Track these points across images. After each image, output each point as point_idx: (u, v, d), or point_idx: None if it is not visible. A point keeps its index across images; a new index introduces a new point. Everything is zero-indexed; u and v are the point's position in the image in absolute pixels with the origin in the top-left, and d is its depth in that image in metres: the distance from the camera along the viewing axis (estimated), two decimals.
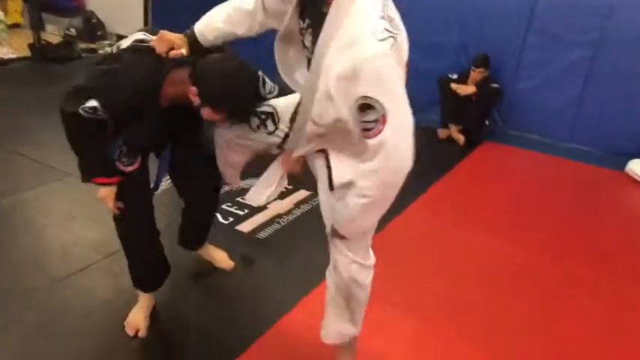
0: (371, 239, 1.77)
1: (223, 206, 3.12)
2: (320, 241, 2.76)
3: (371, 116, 1.37)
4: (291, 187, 3.41)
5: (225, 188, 3.30)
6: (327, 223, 1.75)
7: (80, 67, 5.80)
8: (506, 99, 4.73)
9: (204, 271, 2.55)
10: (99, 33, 6.74)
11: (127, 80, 1.69)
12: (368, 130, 1.39)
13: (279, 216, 3.10)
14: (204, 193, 2.34)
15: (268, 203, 1.94)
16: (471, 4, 4.74)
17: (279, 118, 1.84)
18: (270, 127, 1.86)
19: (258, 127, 1.88)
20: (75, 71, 5.66)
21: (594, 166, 4.36)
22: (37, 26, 5.86)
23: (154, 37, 1.77)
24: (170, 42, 1.72)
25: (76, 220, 2.89)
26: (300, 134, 1.64)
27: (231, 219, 3.01)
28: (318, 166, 1.72)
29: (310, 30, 1.50)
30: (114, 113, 1.72)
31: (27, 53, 5.78)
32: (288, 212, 3.15)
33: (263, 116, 1.86)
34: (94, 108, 1.68)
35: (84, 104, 1.69)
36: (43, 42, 5.84)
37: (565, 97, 4.67)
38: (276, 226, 3.00)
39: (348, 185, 1.56)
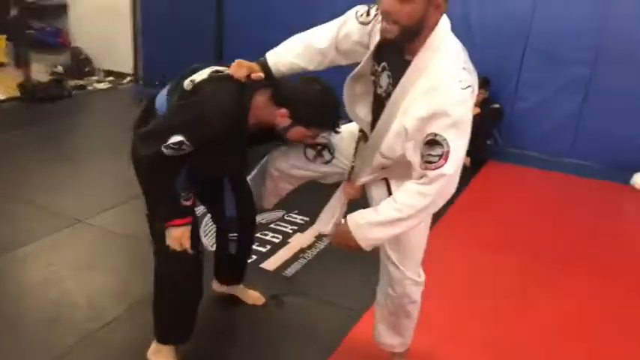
0: (422, 257, 1.92)
1: None
2: (348, 273, 2.77)
3: (437, 151, 1.49)
4: (308, 219, 3.36)
5: None
6: (388, 247, 1.87)
7: (71, 105, 5.72)
8: (506, 118, 4.78)
9: (234, 313, 2.48)
10: (87, 69, 6.66)
11: (213, 109, 1.72)
12: (430, 163, 1.51)
13: (303, 251, 3.04)
14: (248, 225, 2.32)
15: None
16: (468, 28, 4.78)
17: (333, 149, 1.97)
18: (327, 156, 1.98)
19: (315, 157, 1.99)
20: (67, 109, 5.57)
21: (597, 180, 4.41)
22: (26, 65, 5.74)
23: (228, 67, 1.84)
24: (249, 67, 1.80)
25: (95, 269, 2.77)
26: (365, 165, 1.82)
27: (254, 257, 2.93)
28: (377, 194, 1.86)
29: (388, 73, 1.63)
30: (202, 144, 1.74)
31: (15, 93, 5.64)
32: (311, 246, 3.09)
33: (319, 147, 1.97)
34: (179, 143, 1.69)
35: (167, 142, 1.69)
36: (34, 81, 5.71)
37: (564, 113, 4.74)
38: (301, 261, 2.93)
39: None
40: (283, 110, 1.79)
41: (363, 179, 1.86)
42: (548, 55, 4.67)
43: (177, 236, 1.87)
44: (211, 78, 1.81)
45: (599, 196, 4.18)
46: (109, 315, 2.41)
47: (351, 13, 1.76)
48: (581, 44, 4.57)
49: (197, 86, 1.79)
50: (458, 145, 1.49)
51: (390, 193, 1.79)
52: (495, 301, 2.69)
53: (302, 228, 3.29)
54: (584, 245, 3.35)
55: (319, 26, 1.84)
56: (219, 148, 1.82)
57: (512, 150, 4.82)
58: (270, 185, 2.19)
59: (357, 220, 1.69)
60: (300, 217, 3.40)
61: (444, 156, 1.48)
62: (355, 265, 2.88)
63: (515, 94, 4.81)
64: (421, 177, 1.55)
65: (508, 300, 2.71)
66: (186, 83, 1.83)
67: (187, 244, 1.90)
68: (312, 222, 3.28)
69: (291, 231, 3.25)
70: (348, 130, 1.94)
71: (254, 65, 1.83)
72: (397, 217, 1.60)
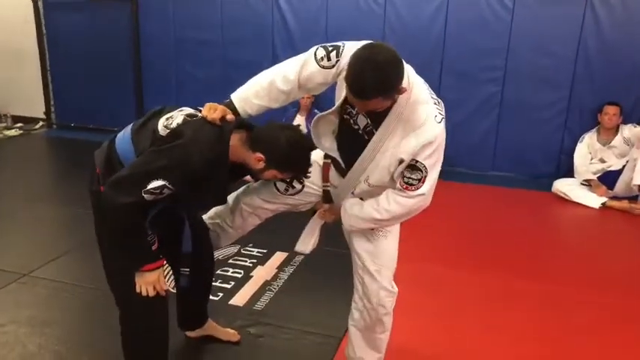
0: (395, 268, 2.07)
1: None
2: (318, 300, 2.80)
3: (417, 175, 1.73)
4: (265, 251, 3.36)
5: None
6: (361, 251, 2.01)
7: None
8: None
9: (214, 355, 2.41)
10: None
11: (197, 153, 1.71)
12: (410, 185, 1.75)
13: (268, 283, 3.01)
14: (207, 262, 2.28)
15: (310, 252, 2.20)
16: None
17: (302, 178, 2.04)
18: (297, 186, 2.05)
19: (286, 189, 2.06)
20: None
21: (522, 189, 4.76)
22: None
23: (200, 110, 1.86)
24: (223, 109, 1.83)
25: (53, 323, 2.59)
26: (342, 194, 1.97)
27: (220, 294, 2.88)
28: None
29: (363, 114, 1.77)
30: (183, 187, 1.73)
31: None
32: (275, 277, 3.08)
33: (287, 180, 2.02)
34: (161, 187, 1.68)
35: (147, 187, 1.66)
36: None
37: (484, 129, 5.12)
38: (269, 294, 2.90)
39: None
40: (258, 155, 1.82)
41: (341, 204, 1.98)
42: (462, 75, 5.02)
43: (153, 280, 1.84)
44: (189, 122, 1.80)
45: (526, 205, 4.49)
46: None
47: (310, 57, 1.84)
48: (490, 64, 4.99)
49: (176, 131, 1.77)
50: (434, 169, 1.74)
51: None
52: (439, 312, 2.80)
53: (261, 260, 3.27)
54: (519, 251, 3.57)
55: (279, 65, 1.92)
56: (200, 187, 1.80)
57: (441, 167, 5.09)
58: (238, 222, 2.22)
59: (347, 207, 1.92)
60: (257, 249, 3.38)
61: (422, 180, 1.73)
62: (323, 291, 2.93)
63: None
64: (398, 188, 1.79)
65: (452, 312, 2.82)
66: (160, 128, 1.80)
67: (164, 286, 1.88)
68: (269, 254, 3.33)
69: (251, 264, 3.22)
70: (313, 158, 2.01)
71: (225, 108, 1.85)
72: (375, 217, 1.84)
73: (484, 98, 5.09)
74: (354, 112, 1.79)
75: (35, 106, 6.31)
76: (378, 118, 1.74)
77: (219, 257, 3.26)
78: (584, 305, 2.90)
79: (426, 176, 1.71)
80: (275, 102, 1.91)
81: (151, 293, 1.84)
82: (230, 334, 2.48)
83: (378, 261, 1.99)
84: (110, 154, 1.86)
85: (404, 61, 1.63)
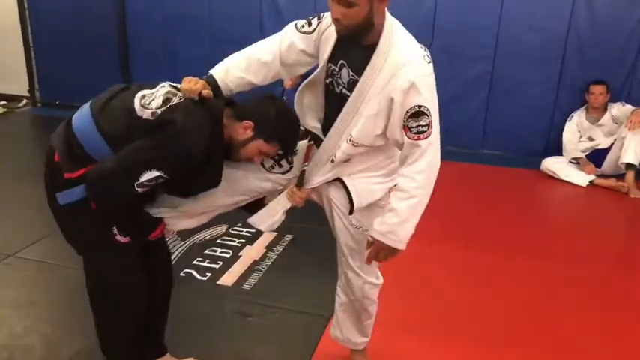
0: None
1: (195, 262, 2.97)
2: (306, 279, 2.80)
3: (424, 120, 1.60)
4: (254, 230, 3.33)
5: (188, 242, 3.18)
6: (344, 247, 1.94)
7: None
8: None
9: (205, 330, 2.40)
10: None
11: (195, 143, 1.63)
12: (422, 133, 1.61)
13: (256, 262, 3.00)
14: (167, 267, 2.10)
15: (266, 231, 2.11)
16: None
17: (292, 158, 1.91)
18: (285, 165, 1.91)
19: (272, 167, 1.91)
20: None
21: (511, 168, 4.77)
22: None
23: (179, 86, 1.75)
24: (203, 84, 1.74)
25: (38, 304, 2.57)
26: (318, 168, 1.83)
27: (208, 274, 2.87)
28: (333, 196, 1.88)
29: (347, 68, 1.69)
30: (180, 175, 1.68)
31: None
32: (264, 257, 3.07)
33: (276, 157, 1.88)
34: (155, 178, 1.61)
35: (140, 180, 1.58)
36: None
37: (473, 107, 5.09)
38: (257, 273, 2.90)
39: (370, 207, 1.83)
40: (246, 123, 1.73)
41: (315, 182, 1.86)
42: (452, 53, 4.97)
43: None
44: (178, 106, 1.67)
45: (514, 183, 4.50)
46: (67, 351, 2.26)
47: (289, 27, 1.81)
48: (481, 42, 4.94)
49: (166, 117, 1.65)
50: (435, 112, 1.63)
51: (348, 192, 1.82)
52: (436, 290, 2.81)
53: (250, 240, 3.25)
54: (505, 229, 3.59)
55: (259, 42, 1.86)
56: (196, 173, 1.73)
57: None
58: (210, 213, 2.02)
59: (380, 230, 1.71)
60: (245, 229, 3.36)
61: (430, 125, 1.60)
62: (312, 270, 2.93)
63: None
64: (406, 155, 1.65)
65: (450, 290, 2.84)
66: (137, 107, 1.66)
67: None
68: (258, 233, 3.31)
69: (239, 244, 3.21)
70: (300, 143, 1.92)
71: (205, 82, 1.76)
72: (414, 202, 1.67)
73: (474, 76, 5.05)
74: (337, 70, 1.70)
75: (19, 84, 6.18)
76: (360, 65, 1.64)
77: (207, 237, 3.24)
78: (570, 281, 2.92)
79: (431, 120, 1.59)
80: (255, 75, 1.83)
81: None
82: None
83: (360, 257, 1.91)
84: (68, 137, 1.71)
85: None
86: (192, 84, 1.72)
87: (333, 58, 1.71)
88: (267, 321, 2.51)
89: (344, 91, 1.71)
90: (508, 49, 4.92)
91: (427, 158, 1.63)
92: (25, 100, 6.24)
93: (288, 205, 1.94)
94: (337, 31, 1.63)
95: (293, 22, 1.81)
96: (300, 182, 1.90)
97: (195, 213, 1.94)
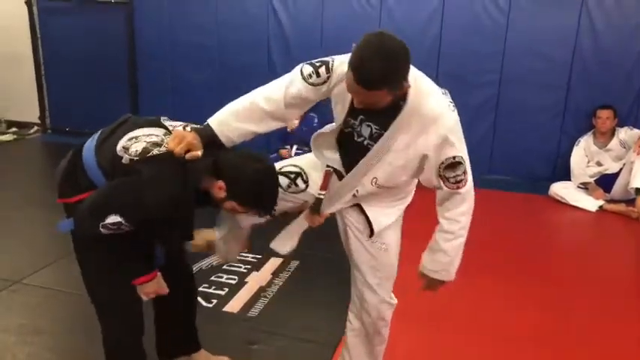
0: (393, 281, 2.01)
1: (201, 288, 2.93)
2: (312, 307, 2.77)
3: (460, 169, 1.65)
4: (260, 256, 3.33)
5: (195, 267, 3.16)
6: (361, 265, 1.94)
7: None
8: None
9: None
10: None
11: (152, 199, 1.60)
12: (460, 182, 1.66)
13: (263, 289, 2.98)
14: (186, 280, 2.18)
15: (287, 253, 2.07)
16: None
17: (307, 176, 1.92)
18: (301, 184, 1.91)
19: (289, 186, 1.92)
20: None
21: (519, 193, 4.74)
22: None
23: (166, 138, 1.71)
24: (189, 143, 1.65)
25: (43, 332, 2.55)
26: (338, 197, 1.85)
27: (214, 301, 2.85)
28: (350, 217, 1.91)
29: (367, 124, 1.69)
30: (140, 225, 1.65)
31: None
32: (270, 284, 3.05)
33: (292, 175, 1.92)
34: (117, 223, 1.61)
35: (104, 221, 1.60)
36: None
37: (481, 133, 5.09)
38: (263, 300, 2.87)
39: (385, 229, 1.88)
40: (220, 183, 1.69)
41: (332, 210, 1.90)
42: (459, 79, 5.00)
43: (153, 290, 1.85)
44: (152, 158, 1.64)
45: (522, 208, 4.48)
46: None
47: (296, 75, 1.74)
48: (486, 67, 4.97)
49: (134, 167, 1.64)
50: (467, 156, 1.68)
51: (365, 216, 1.87)
52: (445, 317, 2.78)
53: (256, 266, 3.24)
54: (514, 255, 3.55)
55: (261, 88, 1.79)
56: (162, 226, 1.74)
57: None
58: (236, 233, 2.10)
59: (433, 268, 1.83)
60: (251, 255, 3.35)
61: (465, 171, 1.66)
62: (317, 298, 2.90)
63: None
64: (446, 200, 1.71)
65: (459, 315, 2.80)
66: (119, 149, 1.68)
67: (166, 290, 1.88)
68: (264, 259, 3.29)
69: (245, 270, 3.19)
70: (315, 161, 1.90)
71: (193, 139, 1.67)
72: (459, 242, 1.77)
73: (480, 102, 5.07)
74: (357, 124, 1.70)
75: (30, 111, 6.26)
76: (385, 121, 1.64)
77: (214, 264, 3.22)
78: (581, 308, 2.88)
79: (466, 169, 1.66)
80: (258, 124, 1.77)
81: (151, 296, 1.86)
82: None
83: (379, 274, 1.94)
84: (75, 162, 1.77)
85: None
86: (176, 143, 1.64)
87: (351, 114, 1.70)
88: (272, 349, 2.48)
89: (366, 142, 1.71)
90: (514, 75, 4.96)
91: (467, 202, 1.71)
92: (35, 127, 6.31)
93: (305, 226, 1.98)
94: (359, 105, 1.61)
95: (298, 68, 1.74)
96: (317, 209, 1.89)
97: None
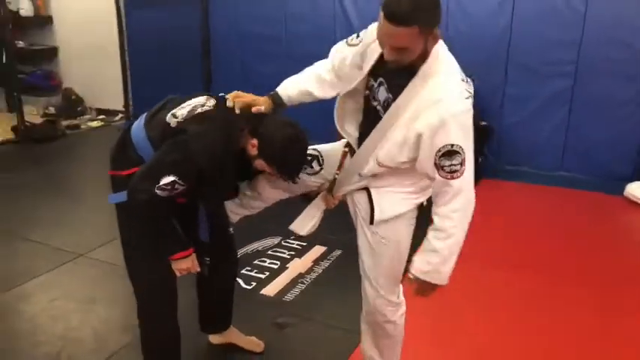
0: (400, 278, 1.97)
1: (243, 271, 3.07)
2: (345, 295, 2.80)
3: (457, 159, 1.58)
4: (305, 244, 3.39)
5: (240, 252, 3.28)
6: (363, 255, 1.94)
7: (65, 145, 5.78)
8: (495, 135, 4.85)
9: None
10: (79, 109, 6.74)
11: (198, 147, 1.73)
12: (455, 172, 1.59)
13: (301, 275, 3.06)
14: (230, 260, 2.30)
15: (307, 235, 2.12)
16: (449, 48, 4.90)
17: (323, 160, 2.00)
18: (316, 167, 2.01)
19: (304, 168, 1.98)
20: (61, 149, 5.63)
21: (591, 192, 4.46)
22: (18, 109, 5.78)
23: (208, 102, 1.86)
24: (251, 99, 1.86)
25: (98, 302, 2.80)
26: (349, 176, 1.87)
27: (254, 283, 2.96)
28: (358, 201, 1.91)
29: (385, 87, 1.69)
30: (193, 183, 1.76)
31: (9, 136, 5.71)
32: (309, 271, 3.11)
33: (309, 158, 1.99)
34: (172, 183, 1.71)
35: (159, 183, 1.71)
36: (27, 123, 5.77)
37: (552, 127, 4.80)
38: (300, 286, 2.95)
39: (396, 219, 1.83)
40: (254, 141, 1.83)
41: (344, 190, 1.93)
42: (529, 69, 4.78)
43: (186, 267, 1.94)
44: (197, 116, 1.81)
45: (593, 208, 4.20)
46: (113, 347, 2.44)
47: (340, 42, 1.89)
48: (560, 58, 4.68)
49: (182, 126, 1.79)
50: (469, 150, 1.60)
51: (370, 200, 1.84)
52: (494, 316, 2.72)
53: (299, 253, 3.31)
54: (586, 259, 3.35)
55: (316, 63, 1.97)
56: (211, 183, 1.83)
57: (504, 166, 4.83)
58: (259, 198, 2.18)
59: (423, 269, 1.73)
60: (297, 242, 3.43)
61: (463, 162, 1.58)
62: (352, 288, 2.89)
63: (501, 110, 4.90)
64: (438, 193, 1.65)
65: (508, 315, 2.73)
66: (169, 117, 1.83)
67: (198, 268, 1.98)
68: (309, 247, 3.36)
69: (289, 256, 3.28)
70: (333, 147, 2.01)
71: (259, 98, 1.88)
72: (452, 242, 1.68)
73: (553, 94, 4.78)
74: (376, 86, 1.72)
75: (115, 100, 6.70)
76: (400, 84, 1.63)
77: (259, 248, 3.34)
78: None
79: (464, 158, 1.58)
80: (314, 86, 1.92)
81: (184, 273, 1.96)
82: (254, 343, 2.44)
83: (373, 272, 1.92)
84: (125, 139, 1.94)
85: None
86: (236, 97, 1.85)
87: (373, 72, 1.72)
88: (301, 332, 2.55)
89: (379, 108, 1.73)
90: (591, 66, 4.60)
91: (462, 197, 1.63)
92: (120, 115, 6.77)
93: (323, 207, 2.04)
94: (390, 62, 1.59)
95: (343, 40, 1.88)
96: (331, 189, 1.97)
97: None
